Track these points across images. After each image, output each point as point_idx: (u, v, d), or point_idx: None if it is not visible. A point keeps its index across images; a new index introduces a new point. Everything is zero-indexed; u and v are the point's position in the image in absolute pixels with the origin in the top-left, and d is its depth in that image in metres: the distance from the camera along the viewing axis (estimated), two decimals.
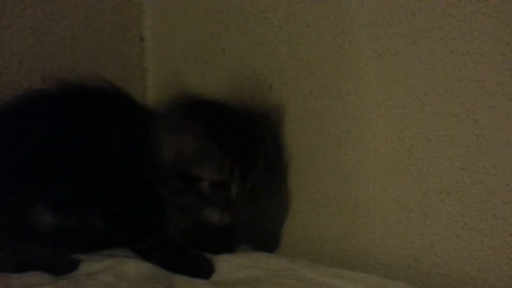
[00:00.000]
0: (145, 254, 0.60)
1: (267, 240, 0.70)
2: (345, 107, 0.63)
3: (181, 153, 0.59)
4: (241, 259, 0.65)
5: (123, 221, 0.62)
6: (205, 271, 0.60)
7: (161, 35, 0.92)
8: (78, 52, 0.85)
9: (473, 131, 0.52)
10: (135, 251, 0.61)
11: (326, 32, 0.65)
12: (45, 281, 0.58)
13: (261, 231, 0.71)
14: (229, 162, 0.57)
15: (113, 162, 0.61)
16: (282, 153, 0.68)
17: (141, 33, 0.94)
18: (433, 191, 0.55)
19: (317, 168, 0.66)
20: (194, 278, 0.58)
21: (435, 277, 0.56)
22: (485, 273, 0.52)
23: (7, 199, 0.61)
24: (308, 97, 0.67)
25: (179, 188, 0.59)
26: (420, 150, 0.56)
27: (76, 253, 0.62)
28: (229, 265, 0.63)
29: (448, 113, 0.54)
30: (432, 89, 0.55)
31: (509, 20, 0.51)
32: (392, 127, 0.58)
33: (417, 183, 0.56)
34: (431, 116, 0.55)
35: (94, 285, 0.58)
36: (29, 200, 0.61)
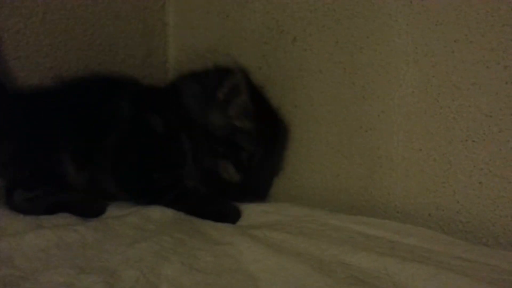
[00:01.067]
0: (172, 205, 0.63)
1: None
2: (372, 57, 0.62)
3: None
4: (264, 206, 0.67)
5: (144, 177, 0.66)
6: (231, 216, 0.62)
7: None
8: (102, 4, 0.86)
9: (503, 78, 0.52)
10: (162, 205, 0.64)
11: None
12: (74, 222, 0.61)
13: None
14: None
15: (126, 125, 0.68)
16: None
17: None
18: (459, 139, 0.55)
19: (340, 119, 0.67)
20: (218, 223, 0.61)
21: (455, 224, 0.57)
22: (506, 220, 0.53)
23: (39, 146, 0.67)
24: (333, 48, 0.67)
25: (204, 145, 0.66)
26: (447, 98, 0.56)
27: None
28: (252, 211, 0.65)
29: (478, 60, 0.53)
30: (463, 36, 0.54)
31: None
32: (420, 76, 0.58)
33: (443, 132, 0.56)
34: (461, 63, 0.54)
35: (122, 225, 0.60)
36: (56, 148, 0.66)
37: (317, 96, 0.69)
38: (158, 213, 0.64)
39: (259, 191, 0.74)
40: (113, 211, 0.65)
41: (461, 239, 0.53)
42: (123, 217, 0.62)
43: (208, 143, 0.68)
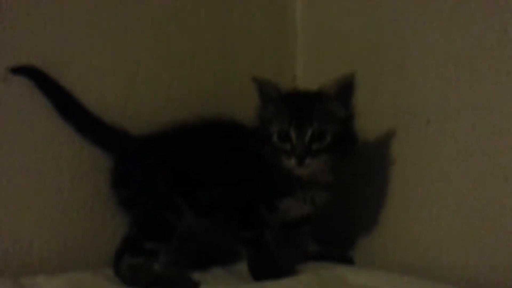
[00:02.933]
0: (249, 245, 0.76)
1: None
2: None
3: (264, 120, 0.76)
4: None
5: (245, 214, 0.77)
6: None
7: (313, 74, 1.03)
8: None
9: None
10: (242, 240, 0.77)
11: (490, 72, 0.70)
12: None
13: None
14: (288, 115, 0.72)
15: (240, 178, 0.77)
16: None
17: (294, 71, 1.06)
18: None
19: (482, 199, 0.70)
20: None
21: None
22: None
23: (160, 205, 0.76)
24: (471, 132, 0.72)
25: (267, 148, 0.74)
26: None
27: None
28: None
29: None
30: None
31: None
32: None
33: None
34: None
35: None
36: (180, 206, 0.76)
37: (456, 176, 0.73)
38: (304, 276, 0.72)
39: None
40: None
41: None
42: None
43: None
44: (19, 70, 0.77)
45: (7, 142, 0.76)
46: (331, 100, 0.74)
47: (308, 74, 1.04)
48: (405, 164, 0.82)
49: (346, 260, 0.84)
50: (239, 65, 0.98)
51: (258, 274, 0.73)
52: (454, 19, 0.74)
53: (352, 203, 0.87)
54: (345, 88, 0.74)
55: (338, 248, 0.88)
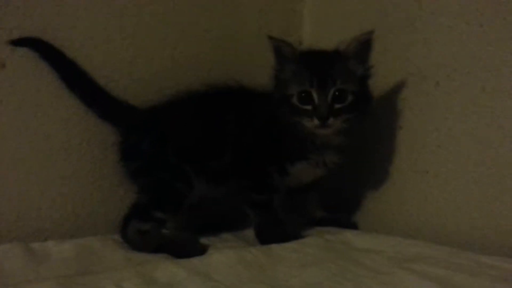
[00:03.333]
0: (258, 208, 0.77)
1: None
2: None
3: (282, 83, 0.74)
4: (409, 241, 0.71)
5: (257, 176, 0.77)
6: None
7: (319, 39, 1.00)
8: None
9: None
10: (251, 204, 0.77)
11: (502, 31, 0.68)
12: (243, 244, 0.71)
13: None
14: (308, 76, 0.70)
15: (251, 143, 0.77)
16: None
17: (300, 37, 1.05)
18: None
19: (488, 161, 0.69)
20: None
21: None
22: None
23: (170, 176, 0.76)
24: (479, 93, 0.70)
25: (285, 111, 0.73)
26: None
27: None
28: (397, 242, 0.70)
29: None
30: None
31: None
32: None
33: None
34: None
35: (283, 249, 0.68)
36: (190, 177, 0.76)
37: (463, 137, 0.73)
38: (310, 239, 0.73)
39: None
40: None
41: None
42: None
43: None
44: (23, 42, 0.76)
45: (15, 107, 0.76)
46: (350, 58, 0.73)
47: (316, 34, 1.01)
48: (412, 128, 0.81)
49: (351, 225, 0.85)
50: (245, 26, 0.96)
51: (265, 238, 0.74)
52: None
53: (359, 167, 0.86)
54: (363, 46, 0.73)
55: (344, 214, 0.89)
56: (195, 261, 0.63)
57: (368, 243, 0.71)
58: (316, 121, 0.69)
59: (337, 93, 0.70)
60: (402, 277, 0.56)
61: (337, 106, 0.70)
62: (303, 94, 0.71)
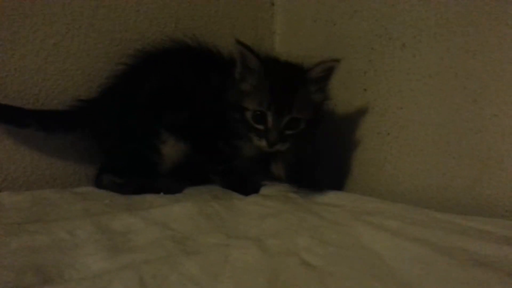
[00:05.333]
0: (220, 175, 0.80)
1: None
2: (486, 63, 0.65)
3: (240, 92, 0.73)
4: (369, 198, 0.72)
5: (211, 151, 0.79)
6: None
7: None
8: (216, 16, 0.96)
9: None
10: (214, 172, 0.80)
11: None
12: (207, 198, 0.71)
13: None
14: (268, 98, 0.70)
15: (207, 102, 0.77)
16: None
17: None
18: None
19: (448, 121, 0.70)
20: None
21: None
22: None
23: (136, 131, 0.76)
24: (444, 54, 0.71)
25: (236, 118, 0.73)
26: None
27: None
28: (357, 198, 0.71)
29: None
30: None
31: None
32: None
33: None
34: None
35: (243, 202, 0.70)
36: (155, 127, 0.76)
37: (425, 99, 0.74)
38: (270, 190, 0.74)
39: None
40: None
41: None
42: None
43: None
44: None
45: None
46: (312, 83, 0.73)
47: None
48: (376, 90, 0.81)
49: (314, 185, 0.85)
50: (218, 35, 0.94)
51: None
52: None
53: (321, 129, 0.86)
54: (327, 73, 0.73)
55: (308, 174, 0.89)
56: (155, 212, 0.63)
57: (328, 198, 0.72)
58: (264, 142, 0.71)
59: (291, 121, 0.71)
60: (359, 228, 0.57)
61: (288, 132, 0.71)
62: (258, 113, 0.71)
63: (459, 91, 0.69)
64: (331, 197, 0.72)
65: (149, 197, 0.70)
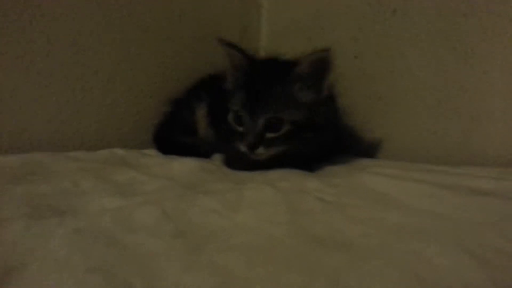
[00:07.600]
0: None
1: None
2: (476, 24, 0.68)
3: (228, 92, 0.67)
4: (367, 159, 0.74)
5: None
6: None
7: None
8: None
9: None
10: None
11: None
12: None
13: None
14: (243, 96, 0.62)
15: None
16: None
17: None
18: None
19: (439, 82, 0.73)
20: None
21: None
22: None
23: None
24: (435, 18, 0.74)
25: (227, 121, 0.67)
26: None
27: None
28: (357, 161, 0.73)
29: None
30: None
31: None
32: None
33: None
34: None
35: None
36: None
37: (416, 62, 0.76)
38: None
39: None
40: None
41: None
42: None
43: None
44: None
45: None
46: (299, 81, 0.62)
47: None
48: (367, 57, 0.83)
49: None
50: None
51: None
52: None
53: None
54: (319, 67, 0.61)
55: None
56: (157, 168, 0.62)
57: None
58: (243, 147, 0.61)
59: (270, 121, 0.61)
60: (361, 175, 0.59)
61: (269, 135, 0.61)
62: (236, 115, 0.63)
63: (449, 53, 0.72)
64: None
65: (143, 160, 0.70)
